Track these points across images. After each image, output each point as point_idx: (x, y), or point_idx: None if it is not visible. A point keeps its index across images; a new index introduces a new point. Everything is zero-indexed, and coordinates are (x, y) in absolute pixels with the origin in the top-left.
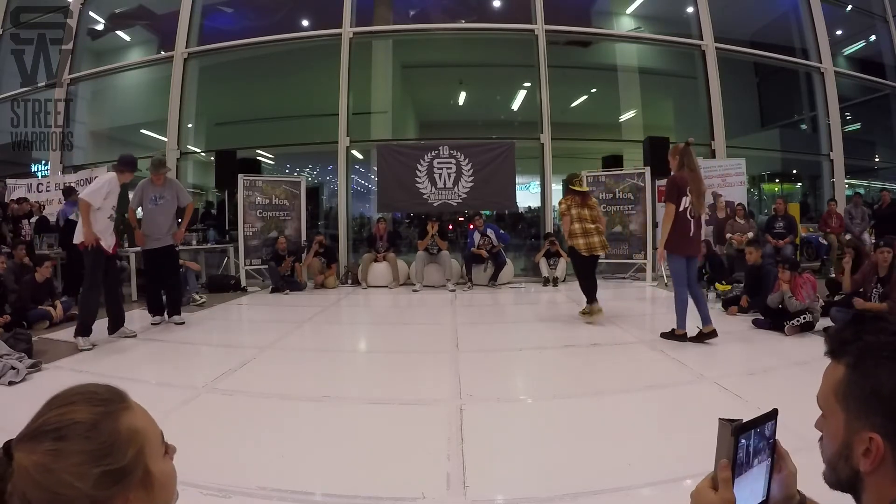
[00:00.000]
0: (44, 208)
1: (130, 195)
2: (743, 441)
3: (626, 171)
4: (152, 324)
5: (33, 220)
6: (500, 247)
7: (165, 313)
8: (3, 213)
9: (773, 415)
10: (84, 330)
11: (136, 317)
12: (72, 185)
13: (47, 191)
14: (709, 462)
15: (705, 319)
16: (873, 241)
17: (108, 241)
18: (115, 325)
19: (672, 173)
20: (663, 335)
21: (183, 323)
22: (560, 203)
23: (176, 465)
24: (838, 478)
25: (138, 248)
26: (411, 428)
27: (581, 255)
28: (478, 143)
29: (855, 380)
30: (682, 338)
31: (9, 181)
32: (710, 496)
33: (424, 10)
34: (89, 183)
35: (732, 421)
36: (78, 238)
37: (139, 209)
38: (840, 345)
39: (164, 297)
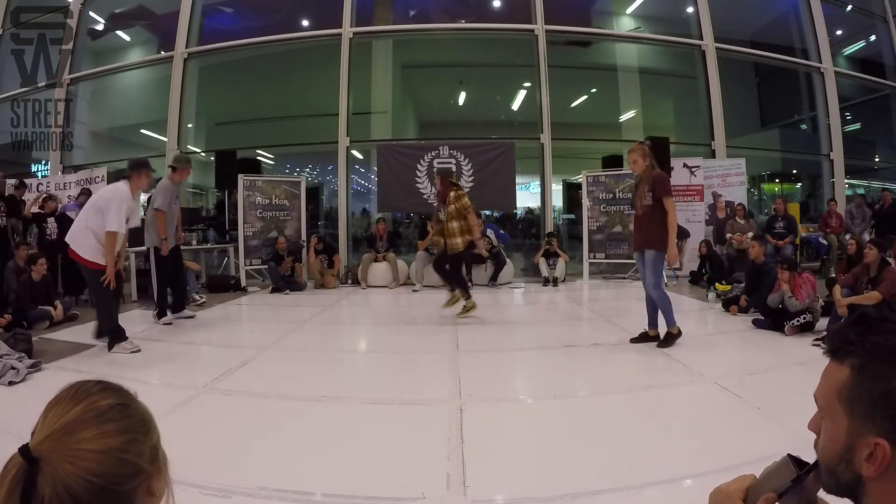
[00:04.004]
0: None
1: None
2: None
3: (626, 171)
4: (164, 323)
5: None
6: (500, 247)
7: (170, 311)
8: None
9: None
10: (116, 336)
11: (137, 316)
12: (88, 187)
13: (47, 191)
14: (709, 461)
15: (655, 322)
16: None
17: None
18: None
19: (646, 174)
20: (660, 345)
21: (193, 316)
22: (462, 197)
23: (176, 466)
24: (838, 482)
25: (137, 249)
26: (411, 428)
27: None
28: (478, 143)
29: (862, 383)
30: (679, 334)
31: (9, 181)
32: None
33: (424, 10)
34: (89, 183)
35: (800, 463)
36: (94, 256)
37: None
38: (844, 345)
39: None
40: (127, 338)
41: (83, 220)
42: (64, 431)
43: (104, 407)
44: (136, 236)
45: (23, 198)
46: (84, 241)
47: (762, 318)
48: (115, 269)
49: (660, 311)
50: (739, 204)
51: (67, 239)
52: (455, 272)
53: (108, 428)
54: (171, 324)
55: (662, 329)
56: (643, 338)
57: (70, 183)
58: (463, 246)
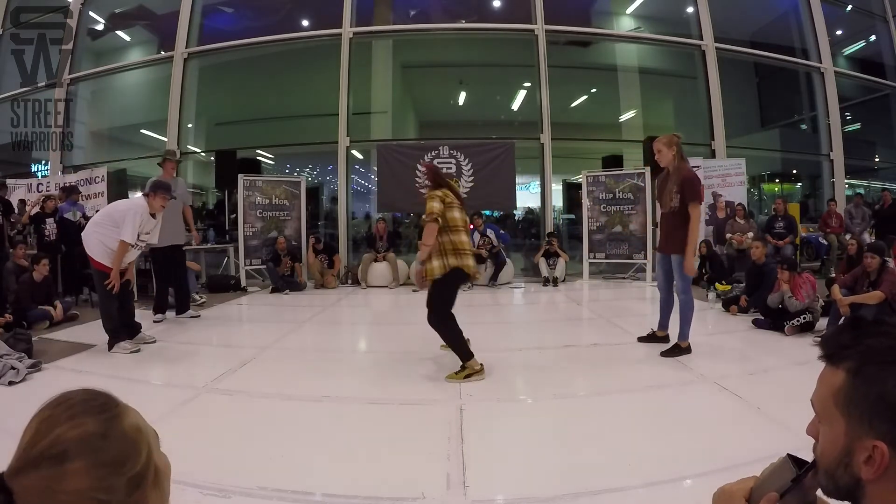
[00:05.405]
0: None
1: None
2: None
3: (626, 171)
4: (155, 321)
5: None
6: (500, 247)
7: (174, 312)
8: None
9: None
10: (116, 336)
11: (137, 316)
12: (73, 183)
13: (47, 190)
14: (709, 461)
15: (666, 324)
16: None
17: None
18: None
19: (672, 166)
20: (664, 353)
21: (198, 316)
22: (430, 199)
23: (176, 466)
24: (836, 485)
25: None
26: (411, 428)
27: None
28: (478, 143)
29: (858, 386)
30: (688, 350)
31: (9, 181)
32: None
33: (424, 10)
34: (90, 183)
35: (799, 462)
36: (101, 257)
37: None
38: (838, 349)
39: (170, 297)
40: (140, 332)
41: (98, 234)
42: (34, 464)
43: (80, 436)
44: None
45: (20, 199)
46: (94, 242)
47: (762, 318)
48: (121, 280)
49: (678, 317)
50: (739, 204)
51: (83, 235)
52: (440, 313)
53: (78, 465)
54: (160, 322)
55: (672, 333)
56: (651, 338)
57: (69, 182)
58: (442, 271)
